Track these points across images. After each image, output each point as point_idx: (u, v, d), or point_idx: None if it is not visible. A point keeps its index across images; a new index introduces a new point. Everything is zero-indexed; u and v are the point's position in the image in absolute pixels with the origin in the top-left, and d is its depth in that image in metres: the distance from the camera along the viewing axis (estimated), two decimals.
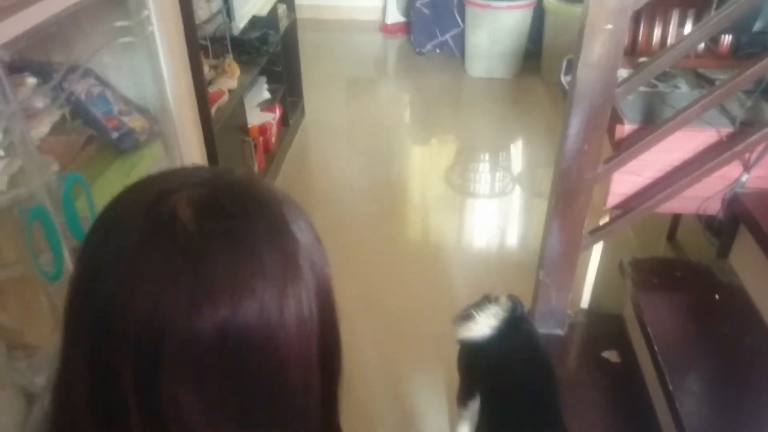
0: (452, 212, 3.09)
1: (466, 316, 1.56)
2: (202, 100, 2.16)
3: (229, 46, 2.67)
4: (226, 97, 2.48)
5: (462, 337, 1.56)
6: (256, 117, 2.99)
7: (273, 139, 3.18)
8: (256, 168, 2.84)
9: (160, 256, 0.44)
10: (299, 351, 0.48)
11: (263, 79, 3.16)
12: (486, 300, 1.57)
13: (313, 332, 0.49)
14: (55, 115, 1.03)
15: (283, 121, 3.43)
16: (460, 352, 1.64)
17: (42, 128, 0.99)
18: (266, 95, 3.15)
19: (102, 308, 0.45)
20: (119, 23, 1.11)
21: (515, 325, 1.51)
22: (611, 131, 1.71)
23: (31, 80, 1.01)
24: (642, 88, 1.76)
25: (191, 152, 2.05)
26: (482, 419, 1.46)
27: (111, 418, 0.46)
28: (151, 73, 1.19)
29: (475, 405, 1.49)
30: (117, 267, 0.45)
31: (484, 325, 1.51)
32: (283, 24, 3.27)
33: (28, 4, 0.79)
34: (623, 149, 1.61)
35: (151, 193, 0.47)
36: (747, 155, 1.63)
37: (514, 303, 1.54)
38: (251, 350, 0.46)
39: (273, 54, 3.05)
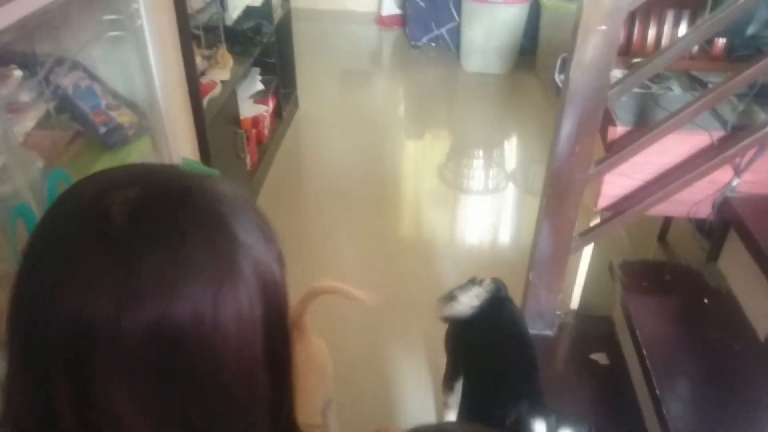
0: (445, 208, 3.08)
1: (450, 296, 1.61)
2: (194, 91, 2.14)
3: (223, 36, 2.65)
4: (218, 89, 2.46)
5: (446, 315, 1.61)
6: (248, 109, 2.97)
7: (266, 132, 3.16)
8: (248, 160, 2.82)
9: (89, 254, 0.44)
10: (239, 351, 0.48)
11: (256, 71, 3.14)
12: (471, 282, 1.62)
13: (256, 332, 0.49)
14: (41, 110, 1.01)
15: (277, 113, 3.40)
16: (446, 332, 1.67)
17: (27, 123, 0.97)
18: (259, 87, 3.12)
19: (33, 303, 0.45)
20: (108, 17, 1.09)
21: (497, 304, 1.56)
22: (603, 132, 1.71)
23: (18, 73, 0.99)
24: (635, 90, 1.76)
25: (182, 145, 2.04)
26: (464, 395, 1.49)
27: (47, 418, 0.45)
28: (140, 67, 1.18)
29: (460, 386, 1.53)
30: (49, 263, 0.45)
31: (467, 305, 1.56)
32: (278, 14, 3.24)
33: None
34: (615, 151, 1.60)
35: (93, 190, 0.47)
36: (738, 159, 1.63)
37: (497, 285, 1.59)
38: (185, 351, 0.45)
39: (267, 45, 3.02)
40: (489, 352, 1.49)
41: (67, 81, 1.10)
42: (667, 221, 2.44)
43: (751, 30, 1.76)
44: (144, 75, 1.18)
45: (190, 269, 0.45)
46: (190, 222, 0.46)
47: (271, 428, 0.53)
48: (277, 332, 0.52)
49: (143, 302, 0.43)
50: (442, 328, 1.68)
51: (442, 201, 3.13)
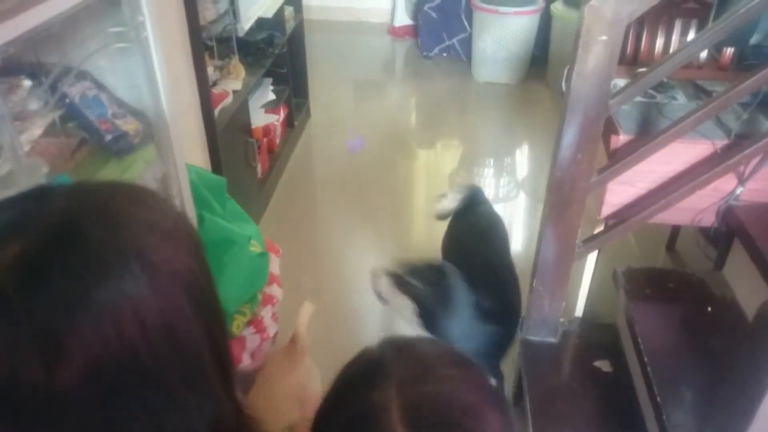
0: None
1: (441, 195, 2.11)
2: (206, 101, 2.19)
3: (235, 47, 2.70)
4: (230, 98, 2.50)
5: (438, 211, 2.10)
6: (260, 118, 3.01)
7: (277, 141, 3.21)
8: (259, 169, 2.86)
9: None
10: (182, 353, 0.50)
11: (268, 80, 3.19)
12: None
13: (191, 325, 0.50)
14: (48, 118, 1.05)
15: (288, 122, 3.45)
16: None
17: (35, 130, 1.01)
18: (271, 96, 3.17)
19: None
20: (114, 29, 1.13)
21: (473, 204, 2.02)
22: (606, 141, 1.72)
23: (27, 83, 1.03)
24: (639, 99, 1.76)
25: (192, 153, 2.08)
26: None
27: None
28: (145, 77, 1.21)
29: None
30: None
31: (450, 203, 2.05)
32: (290, 25, 3.29)
33: (21, 10, 0.81)
34: (617, 160, 1.61)
35: None
36: (742, 168, 1.63)
37: (474, 189, 2.09)
38: (127, 374, 0.46)
39: (279, 55, 3.07)
40: (465, 245, 1.91)
41: (75, 90, 1.14)
42: (675, 230, 2.44)
43: (755, 39, 1.76)
44: (150, 85, 1.22)
45: (100, 308, 0.45)
46: (83, 264, 0.45)
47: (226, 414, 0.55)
48: (211, 315, 0.54)
49: (68, 356, 0.43)
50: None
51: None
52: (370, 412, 0.54)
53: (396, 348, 0.60)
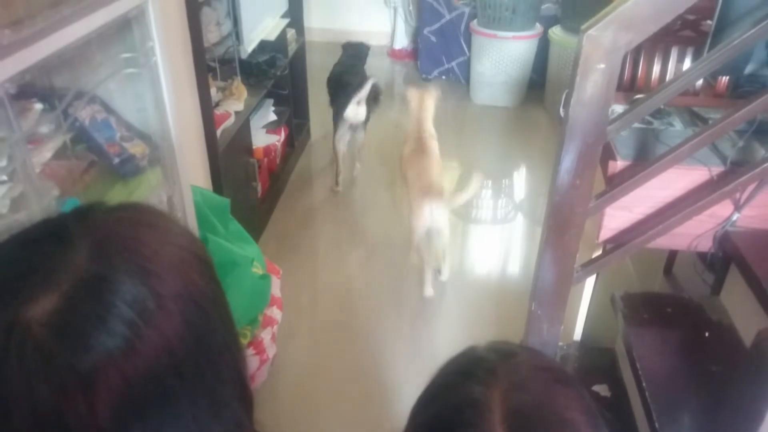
0: (454, 237, 3.11)
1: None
2: (208, 122, 2.22)
3: (238, 69, 2.73)
4: (232, 119, 2.53)
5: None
6: (261, 138, 3.05)
7: (277, 160, 3.23)
8: (259, 188, 2.88)
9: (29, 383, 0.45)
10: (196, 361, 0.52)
11: (270, 101, 3.22)
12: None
13: (179, 374, 0.51)
14: (58, 141, 1.07)
15: (289, 143, 3.48)
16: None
17: (46, 153, 1.03)
18: (272, 117, 3.20)
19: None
20: (125, 55, 1.15)
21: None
22: (604, 166, 1.74)
23: (38, 106, 1.05)
24: (637, 125, 1.79)
25: (195, 173, 2.10)
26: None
27: None
28: (153, 101, 1.23)
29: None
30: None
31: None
32: (292, 48, 3.34)
33: (37, 39, 0.84)
34: (615, 185, 1.63)
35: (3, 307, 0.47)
36: (738, 194, 1.65)
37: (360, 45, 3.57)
38: (158, 384, 0.49)
39: (280, 77, 3.11)
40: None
41: (85, 114, 1.16)
42: (673, 255, 2.45)
43: (749, 68, 1.80)
44: (157, 108, 1.24)
45: (133, 351, 0.47)
46: (116, 315, 0.47)
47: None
48: (230, 337, 0.57)
49: (106, 394, 0.46)
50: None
51: (451, 230, 3.15)
52: (472, 404, 0.55)
53: (503, 352, 0.61)
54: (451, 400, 0.58)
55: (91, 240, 0.50)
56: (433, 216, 2.49)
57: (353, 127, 3.32)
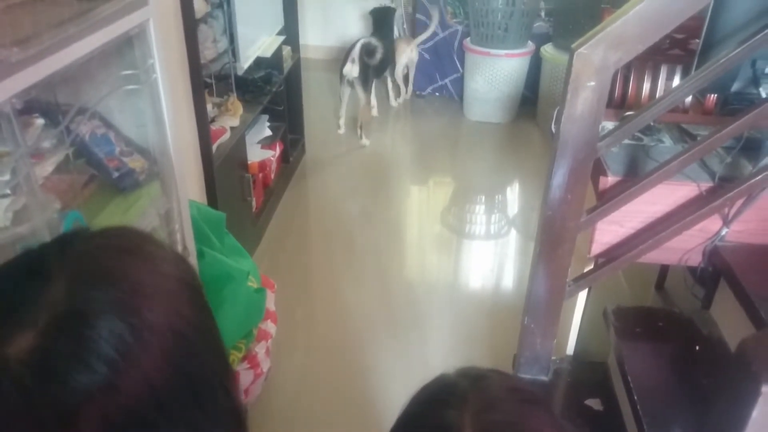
0: (448, 253, 3.13)
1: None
2: (204, 137, 2.24)
3: (233, 85, 2.76)
4: (227, 135, 2.56)
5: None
6: (256, 154, 3.07)
7: (272, 176, 3.25)
8: (254, 203, 2.90)
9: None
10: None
11: (265, 117, 3.25)
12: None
13: (161, 406, 0.50)
14: (60, 155, 1.09)
15: (284, 158, 3.50)
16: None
17: (47, 167, 1.05)
18: (267, 132, 3.23)
19: None
20: (125, 72, 1.18)
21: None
22: (595, 182, 1.77)
23: (40, 121, 1.07)
24: (627, 141, 1.82)
25: (191, 188, 2.11)
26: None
27: None
28: (153, 117, 1.26)
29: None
30: None
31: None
32: (287, 64, 3.37)
33: (43, 56, 0.86)
34: (606, 200, 1.66)
35: None
36: (726, 210, 1.68)
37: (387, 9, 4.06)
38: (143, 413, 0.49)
39: (276, 93, 3.14)
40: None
41: (85, 129, 1.18)
42: (664, 269, 2.48)
43: (736, 86, 1.84)
44: (156, 124, 1.26)
45: (112, 388, 0.47)
46: (94, 354, 0.47)
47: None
48: (219, 361, 0.57)
49: (83, 423, 0.46)
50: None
51: (445, 246, 3.18)
52: (444, 428, 0.57)
53: (471, 377, 0.63)
54: (424, 426, 0.60)
55: (70, 273, 0.50)
56: None
57: (350, 83, 3.84)
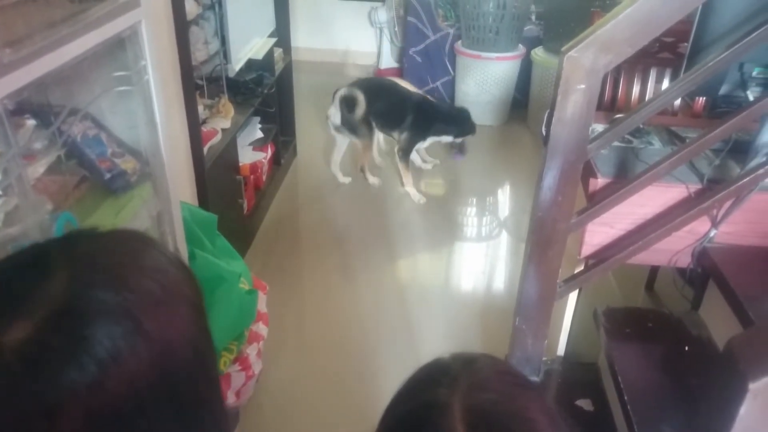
0: (439, 254, 3.14)
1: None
2: (195, 139, 2.23)
3: (225, 87, 2.76)
4: (219, 137, 2.55)
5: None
6: (247, 156, 3.06)
7: (264, 178, 3.25)
8: (245, 205, 2.90)
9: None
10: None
11: (257, 119, 3.25)
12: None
13: (145, 407, 0.51)
14: (51, 156, 1.09)
15: (275, 160, 3.50)
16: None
17: (38, 168, 1.04)
18: (259, 134, 3.23)
19: None
20: (117, 73, 1.18)
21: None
22: (586, 184, 1.78)
23: (31, 122, 1.07)
24: (617, 143, 1.84)
25: (182, 190, 2.11)
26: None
27: None
28: (144, 118, 1.26)
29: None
30: None
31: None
32: (279, 66, 3.38)
33: (36, 57, 0.86)
34: (596, 202, 1.67)
35: None
36: (715, 211, 1.70)
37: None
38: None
39: (267, 95, 3.14)
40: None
41: (77, 130, 1.18)
42: (654, 270, 2.50)
43: (724, 89, 1.86)
44: (148, 125, 1.26)
45: (101, 386, 0.47)
46: (85, 351, 0.47)
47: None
48: (207, 364, 0.57)
49: (66, 418, 0.46)
50: None
51: (436, 247, 3.19)
52: (433, 406, 0.59)
53: (464, 359, 0.65)
54: (416, 403, 0.62)
55: (72, 271, 0.50)
56: None
57: (336, 128, 3.55)
